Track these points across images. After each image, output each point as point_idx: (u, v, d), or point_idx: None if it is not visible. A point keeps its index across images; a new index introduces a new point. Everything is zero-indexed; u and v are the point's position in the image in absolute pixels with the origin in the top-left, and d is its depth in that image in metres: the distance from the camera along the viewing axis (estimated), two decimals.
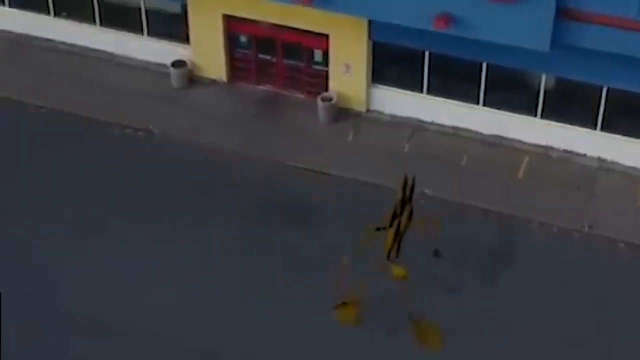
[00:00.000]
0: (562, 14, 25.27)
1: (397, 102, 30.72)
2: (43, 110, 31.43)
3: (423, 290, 24.97)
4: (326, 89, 31.14)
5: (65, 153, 29.81)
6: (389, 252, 17.11)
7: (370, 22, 29.24)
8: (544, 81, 28.73)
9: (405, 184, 14.30)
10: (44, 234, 27.20)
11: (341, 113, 30.91)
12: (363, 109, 31.08)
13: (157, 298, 25.35)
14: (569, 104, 28.95)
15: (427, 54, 29.50)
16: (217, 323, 24.72)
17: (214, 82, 32.41)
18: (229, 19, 31.26)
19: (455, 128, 30.38)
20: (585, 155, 29.33)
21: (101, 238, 27.00)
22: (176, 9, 31.96)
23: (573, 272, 26.01)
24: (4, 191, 28.46)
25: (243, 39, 31.64)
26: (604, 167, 28.99)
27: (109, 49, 33.55)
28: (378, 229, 17.36)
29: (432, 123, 30.60)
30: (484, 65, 29.01)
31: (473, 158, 29.43)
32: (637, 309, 25.01)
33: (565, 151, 29.51)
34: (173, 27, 32.34)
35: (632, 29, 24.90)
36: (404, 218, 16.00)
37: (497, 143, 29.93)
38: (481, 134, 30.18)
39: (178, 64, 32.18)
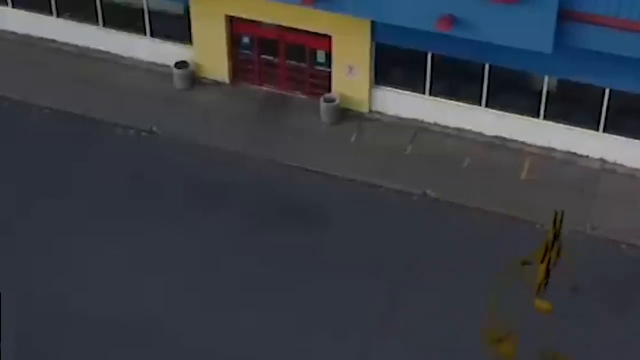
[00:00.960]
0: (565, 15, 25.23)
1: (400, 103, 30.69)
2: (46, 111, 31.44)
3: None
4: (329, 90, 31.12)
5: (67, 153, 29.82)
6: (539, 287, 17.37)
7: (373, 23, 29.21)
8: (547, 82, 28.69)
9: (556, 219, 14.59)
10: (46, 233, 27.20)
11: (344, 114, 30.89)
12: (366, 110, 31.06)
13: (158, 298, 25.34)
14: (571, 106, 28.91)
15: (430, 55, 29.48)
16: (218, 324, 24.69)
17: (216, 83, 32.41)
18: (232, 20, 31.26)
19: (458, 129, 30.35)
20: (588, 156, 29.29)
21: (103, 238, 26.99)
22: (179, 10, 31.96)
23: (575, 274, 25.89)
24: (6, 191, 28.48)
25: (246, 40, 31.64)
26: (607, 169, 28.94)
27: (112, 49, 33.55)
28: (525, 263, 17.56)
29: (434, 124, 30.57)
30: (487, 67, 28.97)
31: (475, 159, 29.39)
32: None
33: (568, 152, 29.46)
34: (176, 28, 32.32)
35: (635, 31, 24.85)
36: (553, 254, 16.24)
37: (499, 144, 29.89)
38: (484, 135, 30.14)
39: (181, 64, 32.18)
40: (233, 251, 26.63)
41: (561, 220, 15.41)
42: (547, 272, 16.93)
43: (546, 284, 16.64)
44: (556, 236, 16.49)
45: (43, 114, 31.34)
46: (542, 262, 16.82)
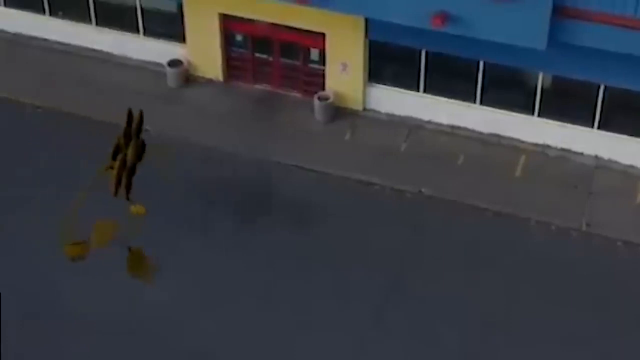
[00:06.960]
0: (559, 11, 25.19)
1: (394, 101, 30.63)
2: (39, 110, 31.32)
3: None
4: (323, 88, 31.05)
5: (61, 152, 29.71)
6: (116, 189, 15.94)
7: (367, 20, 29.15)
8: (541, 79, 28.66)
9: (130, 117, 12.83)
10: (43, 233, 27.06)
11: (338, 112, 30.82)
12: (360, 107, 31.00)
13: (155, 298, 25.23)
14: (566, 103, 28.88)
15: (424, 52, 29.43)
16: (215, 322, 24.64)
17: (210, 81, 32.31)
18: (225, 18, 31.15)
19: (452, 127, 30.30)
20: (582, 153, 29.25)
21: None
22: (172, 8, 31.86)
23: (571, 271, 25.94)
24: (1, 191, 28.36)
25: (239, 38, 31.56)
26: (602, 166, 28.92)
27: (105, 48, 33.42)
28: (110, 168, 16.38)
29: (429, 122, 30.52)
30: (481, 64, 28.93)
31: (470, 157, 29.36)
32: (635, 308, 24.96)
33: (563, 150, 29.43)
34: (169, 26, 32.23)
35: (629, 27, 24.82)
36: (131, 153, 14.69)
37: (494, 142, 29.85)
38: (478, 132, 30.09)
39: (174, 63, 32.08)
40: (225, 250, 26.55)
41: (141, 118, 13.30)
42: (130, 172, 15.42)
43: (129, 185, 15.16)
44: (130, 135, 14.43)
45: (36, 113, 31.22)
46: (114, 161, 15.18)
